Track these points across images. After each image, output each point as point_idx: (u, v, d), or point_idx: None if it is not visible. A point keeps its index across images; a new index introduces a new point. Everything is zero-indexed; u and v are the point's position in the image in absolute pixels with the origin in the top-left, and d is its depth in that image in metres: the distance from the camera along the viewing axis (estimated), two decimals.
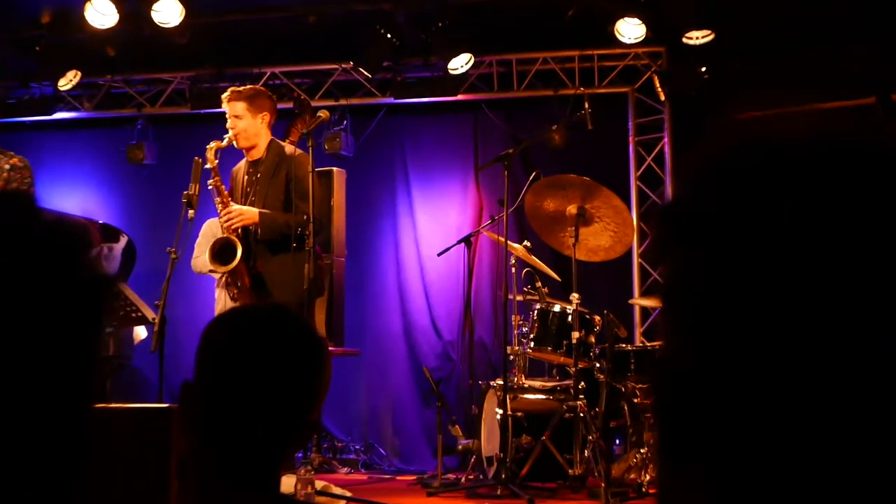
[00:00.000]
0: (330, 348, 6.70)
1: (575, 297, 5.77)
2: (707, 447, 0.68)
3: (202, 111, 8.50)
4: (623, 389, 5.93)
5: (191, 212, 5.52)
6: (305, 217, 5.54)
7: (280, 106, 8.21)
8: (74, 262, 0.97)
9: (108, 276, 1.01)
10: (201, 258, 6.52)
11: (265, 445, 1.64)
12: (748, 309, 0.67)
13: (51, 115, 8.91)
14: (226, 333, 1.70)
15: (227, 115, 5.82)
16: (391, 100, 8.47)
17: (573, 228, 5.88)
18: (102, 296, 0.99)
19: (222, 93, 6.02)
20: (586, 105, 6.72)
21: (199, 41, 7.93)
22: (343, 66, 8.42)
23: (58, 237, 0.96)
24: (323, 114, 5.82)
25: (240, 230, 5.70)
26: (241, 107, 5.79)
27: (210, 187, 5.72)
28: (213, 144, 5.72)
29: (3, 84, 8.78)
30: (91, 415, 0.99)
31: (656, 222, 0.82)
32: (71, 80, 8.44)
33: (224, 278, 5.90)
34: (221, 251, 5.67)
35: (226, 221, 5.68)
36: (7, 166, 4.97)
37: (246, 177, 5.90)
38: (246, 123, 5.78)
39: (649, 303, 7.12)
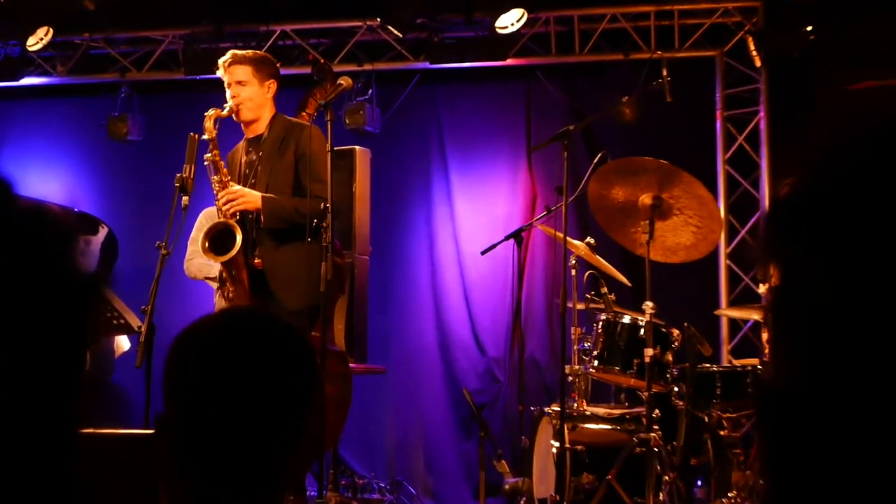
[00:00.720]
0: (350, 365, 6.75)
1: (648, 305, 5.75)
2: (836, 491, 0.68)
3: (198, 77, 8.56)
4: (706, 419, 5.91)
5: (185, 198, 5.55)
6: (323, 204, 5.57)
7: (292, 71, 8.36)
8: (57, 259, 0.97)
9: (96, 277, 1.02)
10: (196, 260, 6.55)
11: (253, 480, 1.65)
12: (883, 326, 0.66)
13: (18, 80, 9.01)
14: (194, 351, 1.71)
15: (226, 83, 5.88)
16: (426, 64, 8.49)
17: (647, 223, 5.85)
18: (90, 300, 1.00)
19: (219, 55, 6.06)
20: (664, 72, 6.69)
21: None
22: (368, 23, 8.45)
23: (37, 230, 0.96)
24: (344, 81, 5.85)
25: (238, 215, 5.75)
26: (245, 71, 5.86)
27: (206, 163, 5.77)
28: (212, 112, 5.80)
29: None
30: (77, 443, 1.00)
31: (764, 222, 0.81)
32: (41, 39, 8.53)
33: (221, 275, 5.93)
34: (218, 238, 5.71)
35: (224, 203, 5.74)
36: None
37: (245, 157, 5.95)
38: (251, 91, 5.86)
39: (739, 314, 7.08)
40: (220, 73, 5.92)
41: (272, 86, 5.93)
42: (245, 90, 5.85)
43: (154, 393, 5.25)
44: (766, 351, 6.30)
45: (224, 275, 5.82)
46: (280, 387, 1.68)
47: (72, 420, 1.00)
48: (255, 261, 5.81)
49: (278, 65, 6.10)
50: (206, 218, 6.55)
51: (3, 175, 1.01)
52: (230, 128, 6.07)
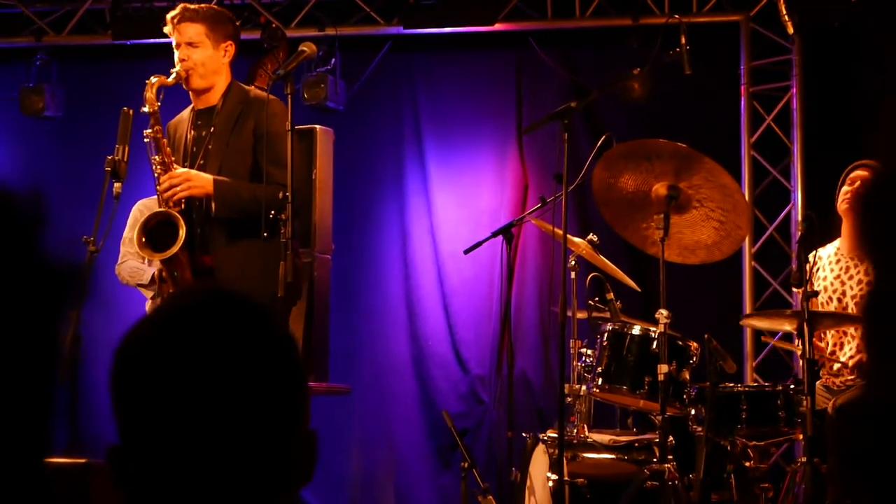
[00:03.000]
0: (309, 384, 6.72)
1: (663, 314, 5.78)
2: None
3: (128, 42, 8.54)
4: (729, 448, 5.94)
5: (117, 185, 5.53)
6: (282, 193, 5.54)
7: (243, 36, 8.32)
8: (24, 247, 0.98)
9: (75, 266, 1.03)
10: (129, 263, 6.54)
11: None
12: None
13: None
14: (148, 354, 1.58)
15: (174, 43, 5.82)
16: (399, 29, 8.51)
17: (662, 217, 5.88)
18: (66, 295, 1.00)
19: (155, 16, 6.04)
20: (683, 40, 6.73)
21: None
22: None
23: (2, 212, 0.97)
24: (307, 47, 5.81)
25: (183, 203, 5.71)
26: (198, 30, 5.79)
27: (146, 140, 5.69)
28: (154, 80, 5.72)
29: None
30: (43, 472, 1.00)
31: (861, 208, 0.84)
32: None
33: (156, 274, 5.91)
34: (156, 231, 5.67)
35: (166, 190, 5.66)
36: None
37: (192, 132, 5.87)
38: (203, 54, 5.79)
39: (767, 324, 7.11)
40: (166, 30, 5.87)
41: (229, 49, 5.86)
42: (197, 52, 5.78)
43: (83, 413, 5.27)
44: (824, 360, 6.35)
45: (163, 274, 5.75)
46: (267, 391, 1.61)
47: (39, 445, 1.00)
48: (204, 258, 5.75)
49: (238, 23, 6.05)
50: (141, 212, 6.53)
51: None
52: (173, 96, 6.01)
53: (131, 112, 5.66)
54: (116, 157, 5.54)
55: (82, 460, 4.05)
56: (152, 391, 1.56)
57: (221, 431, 1.57)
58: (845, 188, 6.44)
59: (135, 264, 6.42)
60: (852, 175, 6.43)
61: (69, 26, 9.02)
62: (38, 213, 0.98)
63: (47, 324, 0.95)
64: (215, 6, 6.11)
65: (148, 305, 6.33)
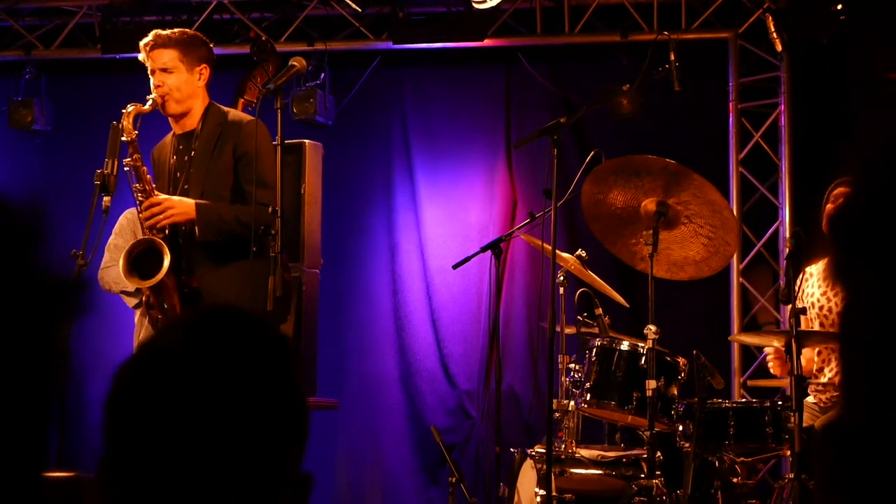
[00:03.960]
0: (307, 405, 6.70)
1: (651, 330, 5.79)
2: None
3: (118, 56, 8.54)
4: (717, 464, 5.95)
5: (106, 199, 5.54)
6: (271, 209, 5.55)
7: (230, 51, 8.37)
8: (21, 260, 0.97)
9: (75, 280, 1.04)
10: (113, 269, 6.54)
11: None
12: None
13: None
14: (149, 378, 1.57)
15: (149, 69, 5.85)
16: (388, 45, 8.52)
17: (651, 233, 5.90)
18: (63, 311, 1.00)
19: (144, 31, 6.05)
20: (672, 56, 6.74)
21: None
22: None
23: None
24: (297, 62, 5.82)
25: (167, 230, 5.72)
26: (171, 56, 5.82)
27: (126, 168, 5.71)
28: (130, 108, 5.73)
29: None
30: (41, 486, 0.99)
31: (830, 230, 0.85)
32: None
33: (144, 299, 5.93)
34: (140, 259, 5.68)
35: (147, 218, 5.69)
36: None
37: (174, 157, 5.91)
38: (178, 79, 5.82)
39: (756, 340, 7.13)
40: (141, 58, 5.89)
41: (204, 71, 5.89)
42: (171, 78, 5.80)
43: (71, 427, 5.26)
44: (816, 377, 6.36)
45: (151, 300, 5.77)
46: (267, 413, 1.61)
47: (36, 460, 0.99)
48: (192, 280, 5.77)
49: (211, 45, 6.07)
50: (128, 220, 6.54)
51: None
52: (159, 118, 6.04)
53: (120, 125, 5.67)
54: (105, 171, 5.55)
55: (73, 474, 4.04)
56: (147, 410, 1.55)
57: (216, 448, 1.55)
58: (829, 206, 6.46)
59: (119, 272, 6.43)
60: (835, 193, 6.45)
61: (58, 40, 9.03)
62: (37, 225, 0.98)
63: (44, 336, 0.95)
64: (188, 30, 6.11)
65: (137, 317, 6.33)
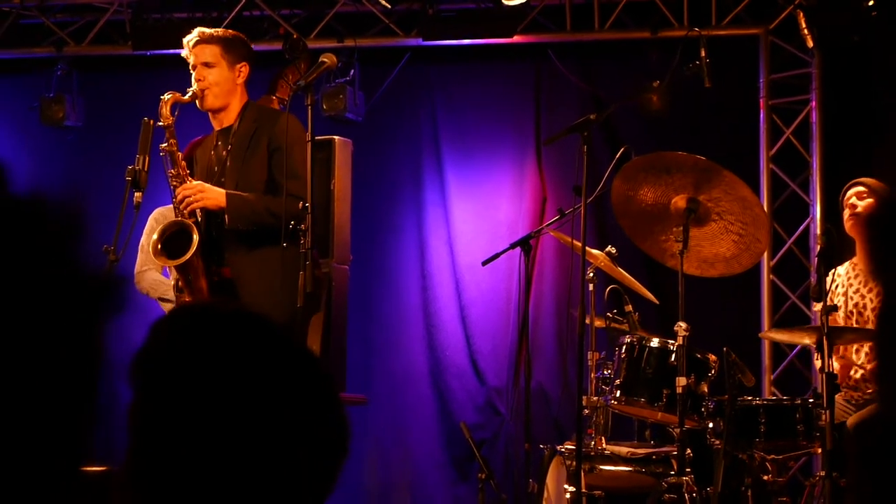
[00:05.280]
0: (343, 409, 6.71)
1: (681, 327, 5.77)
2: None
3: (148, 53, 8.57)
4: (748, 461, 5.93)
5: (137, 195, 5.57)
6: (301, 204, 5.60)
7: (261, 47, 8.35)
8: (65, 257, 0.97)
9: (113, 278, 1.03)
10: (150, 274, 6.57)
11: None
12: None
13: None
14: (166, 361, 1.57)
15: (191, 65, 5.91)
16: (418, 41, 8.52)
17: (681, 229, 5.88)
18: (104, 308, 0.99)
19: (174, 27, 6.08)
20: (702, 53, 6.72)
21: None
22: None
23: (37, 221, 0.96)
24: (328, 58, 5.86)
25: (199, 214, 5.79)
26: (214, 52, 5.91)
27: (162, 153, 5.80)
28: (168, 96, 5.83)
29: None
30: (79, 483, 0.99)
31: (867, 229, 0.84)
32: None
33: (176, 284, 5.96)
34: (172, 239, 5.75)
35: (181, 201, 5.77)
36: None
37: (213, 153, 5.99)
38: (219, 75, 5.91)
39: (787, 337, 7.10)
40: (184, 54, 5.96)
41: (244, 69, 5.97)
42: (212, 73, 5.89)
43: (103, 423, 5.25)
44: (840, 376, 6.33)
45: (180, 283, 5.83)
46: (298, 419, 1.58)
47: (76, 454, 0.98)
48: (224, 269, 5.82)
49: (251, 45, 6.13)
50: (157, 220, 6.57)
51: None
52: (193, 118, 6.06)
53: (152, 122, 5.72)
54: (137, 167, 5.59)
55: (102, 468, 4.04)
56: (175, 402, 1.54)
57: (245, 443, 1.54)
58: (846, 212, 6.42)
59: (156, 276, 6.45)
60: (848, 195, 6.41)
61: (90, 37, 9.05)
62: (76, 222, 0.97)
63: (85, 333, 0.95)
64: (231, 30, 6.17)
65: (167, 311, 6.35)
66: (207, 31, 5.98)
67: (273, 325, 1.66)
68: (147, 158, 5.61)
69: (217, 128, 6.01)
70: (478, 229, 8.43)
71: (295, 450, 1.58)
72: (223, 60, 5.91)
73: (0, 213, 0.95)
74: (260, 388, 1.56)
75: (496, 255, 7.12)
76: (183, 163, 5.86)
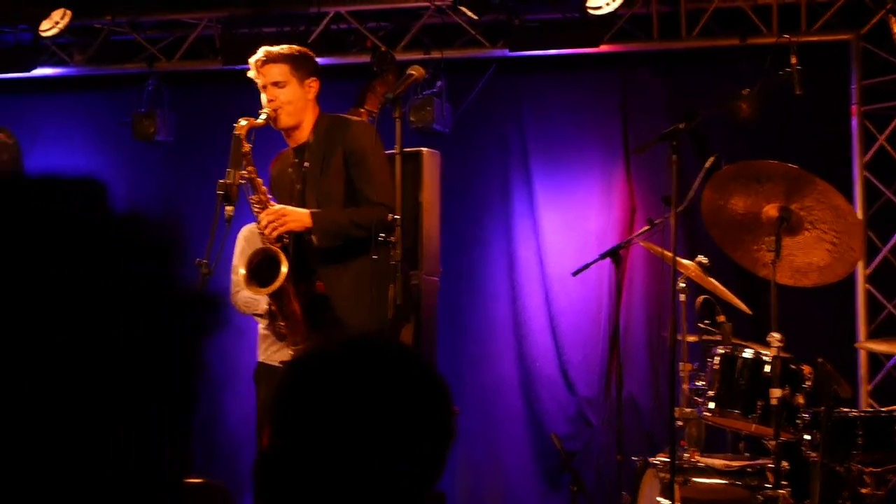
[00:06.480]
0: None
1: (775, 337, 5.71)
2: None
3: (238, 67, 8.63)
4: (845, 474, 5.85)
5: (228, 208, 5.58)
6: (390, 216, 5.59)
7: (348, 60, 8.43)
8: (166, 275, 0.98)
9: (213, 296, 1.03)
10: (242, 293, 6.61)
11: None
12: None
13: (29, 71, 9.15)
14: (317, 384, 1.81)
15: (260, 85, 5.90)
16: (504, 52, 8.51)
17: (773, 239, 5.82)
18: (206, 322, 1.01)
19: (263, 41, 6.11)
20: (793, 59, 6.65)
21: None
22: (437, 3, 8.49)
23: (135, 236, 0.97)
24: (415, 70, 5.85)
25: (285, 238, 5.78)
26: (282, 70, 5.88)
27: (241, 181, 5.76)
28: (243, 122, 5.75)
29: None
30: (183, 492, 1.02)
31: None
32: (57, 24, 8.66)
33: (268, 310, 6.00)
34: (260, 268, 5.75)
35: (265, 227, 5.75)
36: None
37: (291, 170, 5.99)
38: (291, 93, 5.88)
39: (884, 347, 7.00)
40: (251, 74, 5.94)
41: (314, 84, 5.94)
42: (284, 92, 5.86)
43: (202, 438, 5.29)
44: None
45: (273, 309, 5.85)
46: (418, 439, 1.80)
47: (176, 472, 1.01)
48: (317, 284, 5.83)
49: (317, 60, 6.12)
50: (246, 239, 6.58)
51: (97, 177, 1.02)
52: (268, 138, 6.08)
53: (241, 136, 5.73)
54: (228, 181, 5.59)
55: (199, 480, 4.10)
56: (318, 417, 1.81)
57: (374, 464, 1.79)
58: None
59: (249, 295, 6.48)
60: None
61: (180, 52, 9.16)
62: (175, 238, 0.98)
63: (187, 349, 0.97)
64: (295, 46, 6.14)
65: (260, 328, 6.40)
66: (274, 49, 5.94)
67: (398, 350, 1.93)
68: (238, 172, 5.60)
69: (292, 145, 5.99)
70: (567, 240, 8.41)
71: (419, 447, 1.85)
72: (293, 78, 5.88)
73: (103, 233, 0.96)
74: (392, 414, 1.84)
75: (586, 266, 7.11)
76: (264, 188, 5.83)
